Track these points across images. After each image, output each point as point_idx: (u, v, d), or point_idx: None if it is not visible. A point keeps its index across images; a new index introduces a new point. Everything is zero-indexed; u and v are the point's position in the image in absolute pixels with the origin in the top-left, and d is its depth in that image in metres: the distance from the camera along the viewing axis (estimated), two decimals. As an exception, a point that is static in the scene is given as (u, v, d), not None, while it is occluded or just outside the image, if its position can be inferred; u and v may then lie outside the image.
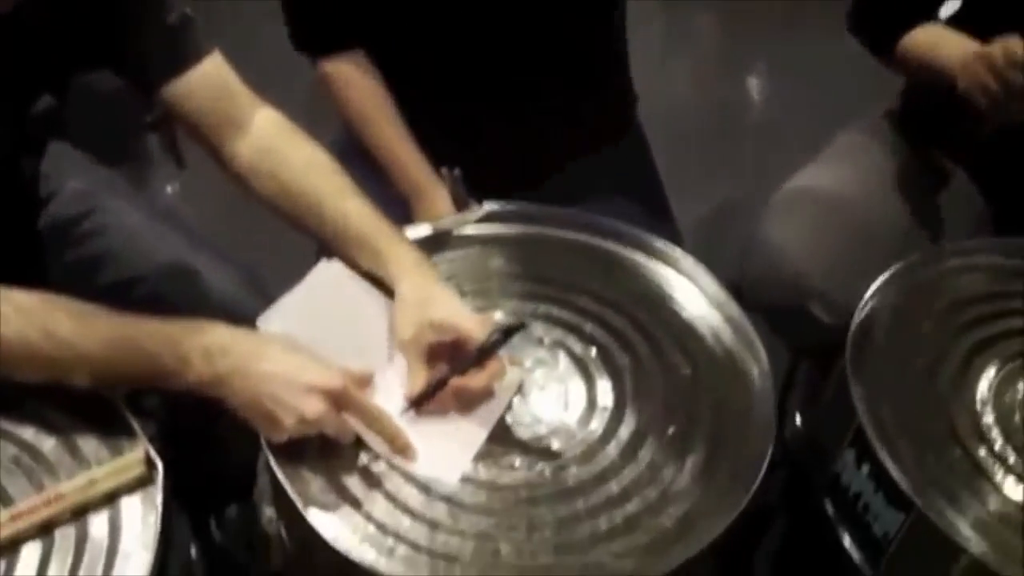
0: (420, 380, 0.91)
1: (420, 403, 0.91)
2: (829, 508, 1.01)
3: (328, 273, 1.01)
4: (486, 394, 0.92)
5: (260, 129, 1.03)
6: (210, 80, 1.02)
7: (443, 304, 0.94)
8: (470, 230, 1.12)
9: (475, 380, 0.91)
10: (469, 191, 1.16)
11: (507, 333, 0.91)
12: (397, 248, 0.98)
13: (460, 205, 1.16)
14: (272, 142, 1.02)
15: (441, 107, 1.28)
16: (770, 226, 1.24)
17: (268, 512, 1.00)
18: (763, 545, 1.20)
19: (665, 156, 1.47)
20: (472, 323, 0.92)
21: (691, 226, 1.40)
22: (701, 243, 1.13)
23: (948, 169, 1.29)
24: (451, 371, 0.91)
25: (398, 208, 1.21)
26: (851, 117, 1.41)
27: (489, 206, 1.14)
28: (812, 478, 1.06)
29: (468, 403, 0.92)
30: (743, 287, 1.15)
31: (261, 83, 1.06)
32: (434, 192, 1.21)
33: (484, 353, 0.91)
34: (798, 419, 1.42)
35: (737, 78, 2.64)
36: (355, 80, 1.25)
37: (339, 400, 0.86)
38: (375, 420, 0.88)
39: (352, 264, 1.01)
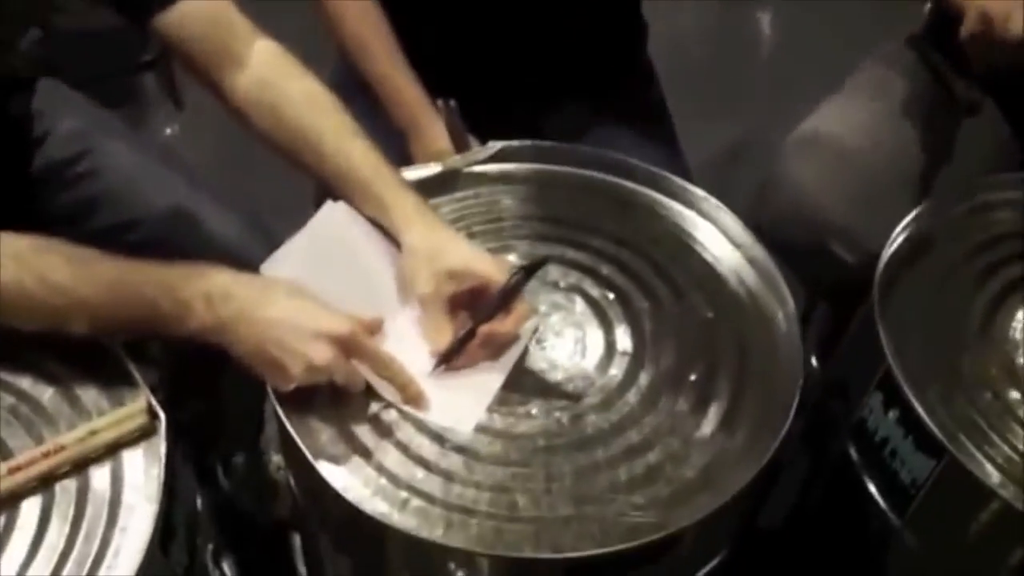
0: (445, 334, 0.88)
1: (450, 358, 0.87)
2: (853, 454, 0.98)
3: (333, 216, 0.97)
4: (514, 339, 0.89)
5: (259, 61, 0.98)
6: (206, 9, 0.97)
7: (456, 250, 0.90)
8: (479, 168, 1.08)
9: (503, 326, 0.88)
10: (466, 125, 1.12)
11: (529, 271, 0.87)
12: (398, 195, 0.94)
13: (457, 139, 1.11)
14: (272, 75, 0.98)
15: (437, 36, 1.23)
16: (789, 164, 1.20)
17: (276, 459, 0.97)
18: (780, 492, 1.17)
19: (669, 94, 1.42)
20: (491, 266, 0.89)
21: (697, 167, 1.36)
22: (709, 184, 1.09)
23: (976, 99, 1.24)
24: (476, 320, 0.87)
25: (397, 143, 1.17)
26: (866, 50, 1.36)
27: (498, 144, 1.09)
28: (834, 423, 1.03)
29: (497, 350, 0.88)
30: (761, 226, 1.11)
31: (252, 19, 1.02)
32: (431, 125, 1.16)
33: (507, 296, 0.87)
34: (814, 361, 1.39)
35: (745, 10, 2.56)
36: (350, 1, 1.20)
37: (348, 346, 0.82)
38: (386, 367, 0.84)
39: (352, 206, 0.97)
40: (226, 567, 0.97)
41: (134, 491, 0.81)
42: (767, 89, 2.21)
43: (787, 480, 1.15)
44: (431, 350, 0.88)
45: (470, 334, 0.87)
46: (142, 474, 0.82)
